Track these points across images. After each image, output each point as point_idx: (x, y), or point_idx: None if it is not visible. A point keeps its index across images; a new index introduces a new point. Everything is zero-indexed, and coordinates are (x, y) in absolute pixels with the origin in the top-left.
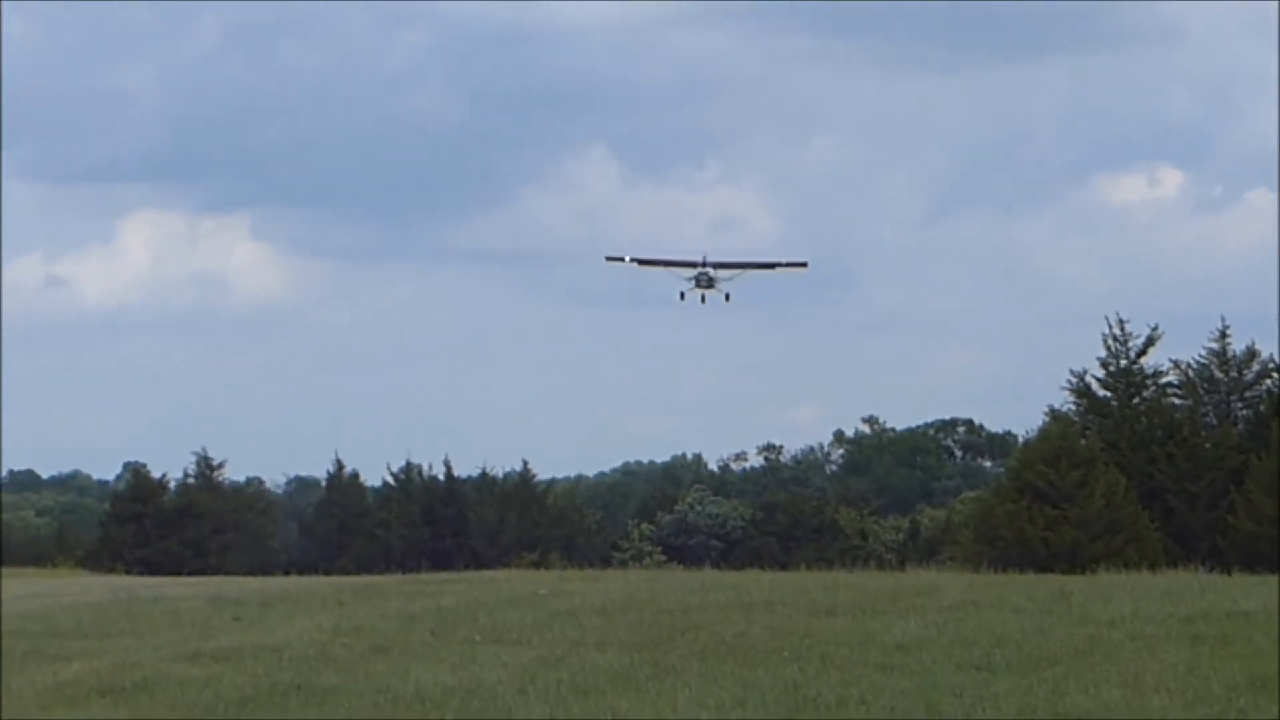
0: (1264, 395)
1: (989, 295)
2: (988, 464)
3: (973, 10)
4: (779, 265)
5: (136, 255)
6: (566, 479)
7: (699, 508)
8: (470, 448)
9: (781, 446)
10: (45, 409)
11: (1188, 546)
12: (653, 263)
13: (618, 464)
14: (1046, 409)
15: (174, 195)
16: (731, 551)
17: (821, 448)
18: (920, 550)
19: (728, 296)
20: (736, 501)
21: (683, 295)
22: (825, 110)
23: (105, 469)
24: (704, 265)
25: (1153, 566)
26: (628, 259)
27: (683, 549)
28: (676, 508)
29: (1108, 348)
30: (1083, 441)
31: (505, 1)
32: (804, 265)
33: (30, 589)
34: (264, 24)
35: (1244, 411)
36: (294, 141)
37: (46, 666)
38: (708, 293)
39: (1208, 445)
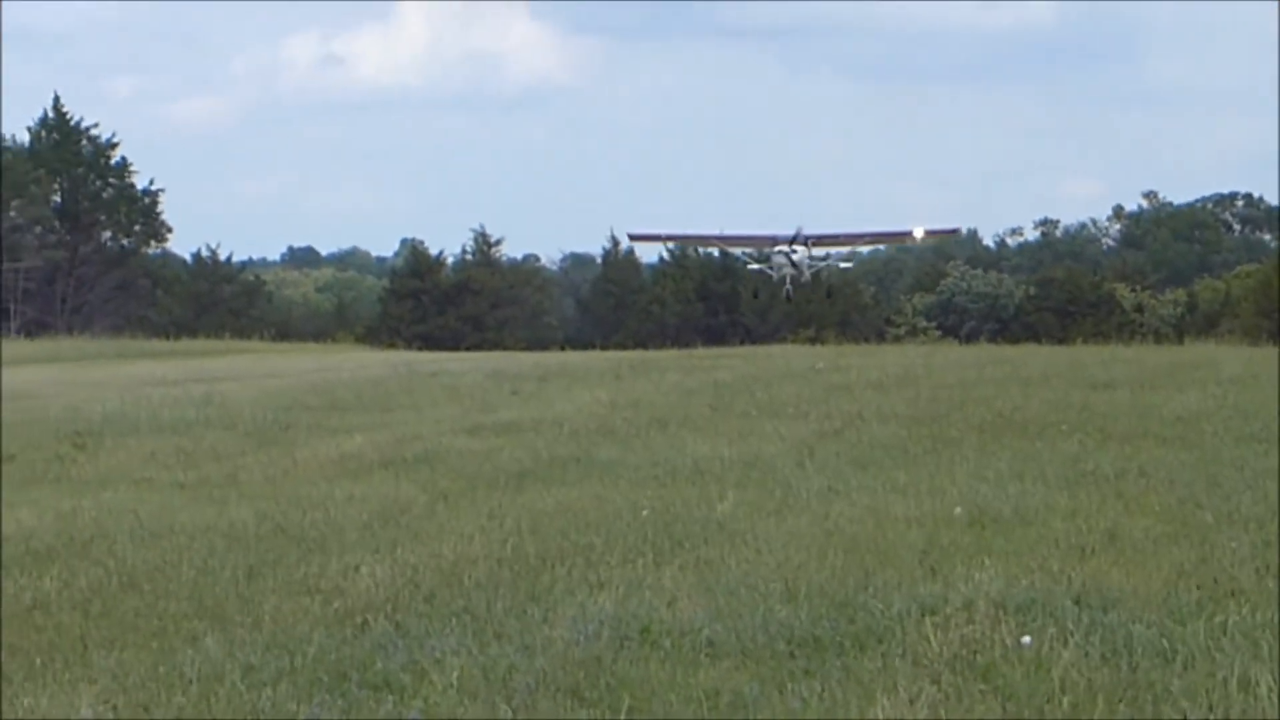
0: None
1: (1271, 66)
2: (1267, 237)
3: None
4: (908, 236)
5: (413, 33)
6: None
7: (963, 284)
8: (743, 224)
9: (1058, 221)
10: (323, 187)
11: None
12: (697, 240)
13: None
14: None
15: None
16: (1007, 327)
17: (1095, 223)
18: (1198, 324)
19: (829, 292)
20: (1006, 276)
21: (756, 294)
22: None
23: (383, 246)
24: (794, 239)
25: None
26: (663, 236)
27: (956, 326)
28: (940, 286)
29: None
30: None
31: None
32: (955, 232)
33: (311, 364)
34: None
35: None
36: None
37: (329, 439)
38: (794, 284)
39: None
